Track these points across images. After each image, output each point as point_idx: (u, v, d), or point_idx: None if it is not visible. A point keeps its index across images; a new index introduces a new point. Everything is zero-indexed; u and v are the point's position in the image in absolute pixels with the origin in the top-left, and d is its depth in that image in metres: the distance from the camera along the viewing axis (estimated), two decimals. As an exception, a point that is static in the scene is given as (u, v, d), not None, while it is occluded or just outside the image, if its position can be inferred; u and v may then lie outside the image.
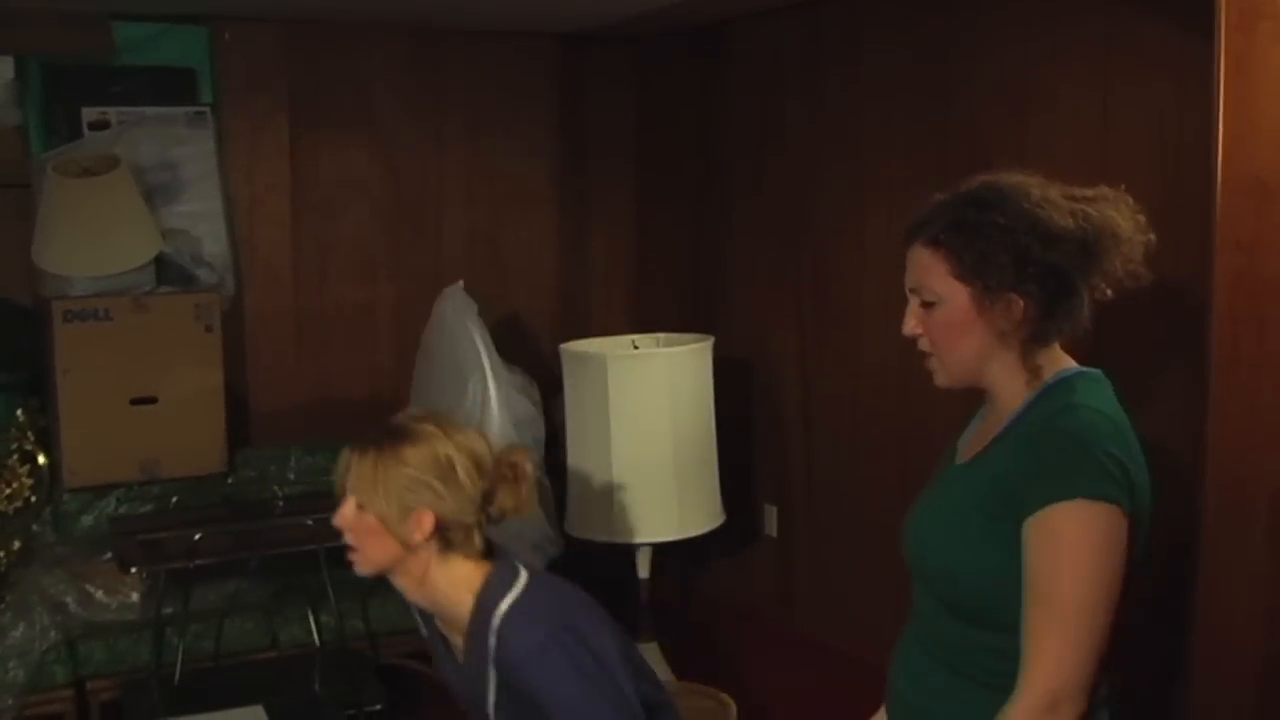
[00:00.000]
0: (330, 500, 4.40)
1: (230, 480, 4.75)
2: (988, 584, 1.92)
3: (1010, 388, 2.02)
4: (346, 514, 2.44)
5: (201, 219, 4.93)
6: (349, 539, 2.46)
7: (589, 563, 4.92)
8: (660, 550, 4.14)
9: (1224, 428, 2.79)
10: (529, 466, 2.49)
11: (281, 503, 4.42)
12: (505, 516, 2.46)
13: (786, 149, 5.01)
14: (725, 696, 3.73)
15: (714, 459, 3.92)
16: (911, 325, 2.05)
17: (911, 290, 2.05)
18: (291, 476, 4.86)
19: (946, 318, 2.00)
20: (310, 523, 4.16)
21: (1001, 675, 1.87)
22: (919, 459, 4.47)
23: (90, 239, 4.56)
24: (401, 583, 2.49)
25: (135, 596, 4.28)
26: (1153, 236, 2.01)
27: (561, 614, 2.41)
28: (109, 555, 4.28)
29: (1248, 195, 2.74)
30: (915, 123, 4.35)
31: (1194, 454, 2.91)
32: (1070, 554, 1.82)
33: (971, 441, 2.13)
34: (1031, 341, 1.98)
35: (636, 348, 3.99)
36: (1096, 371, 2.04)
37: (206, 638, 4.27)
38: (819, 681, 4.76)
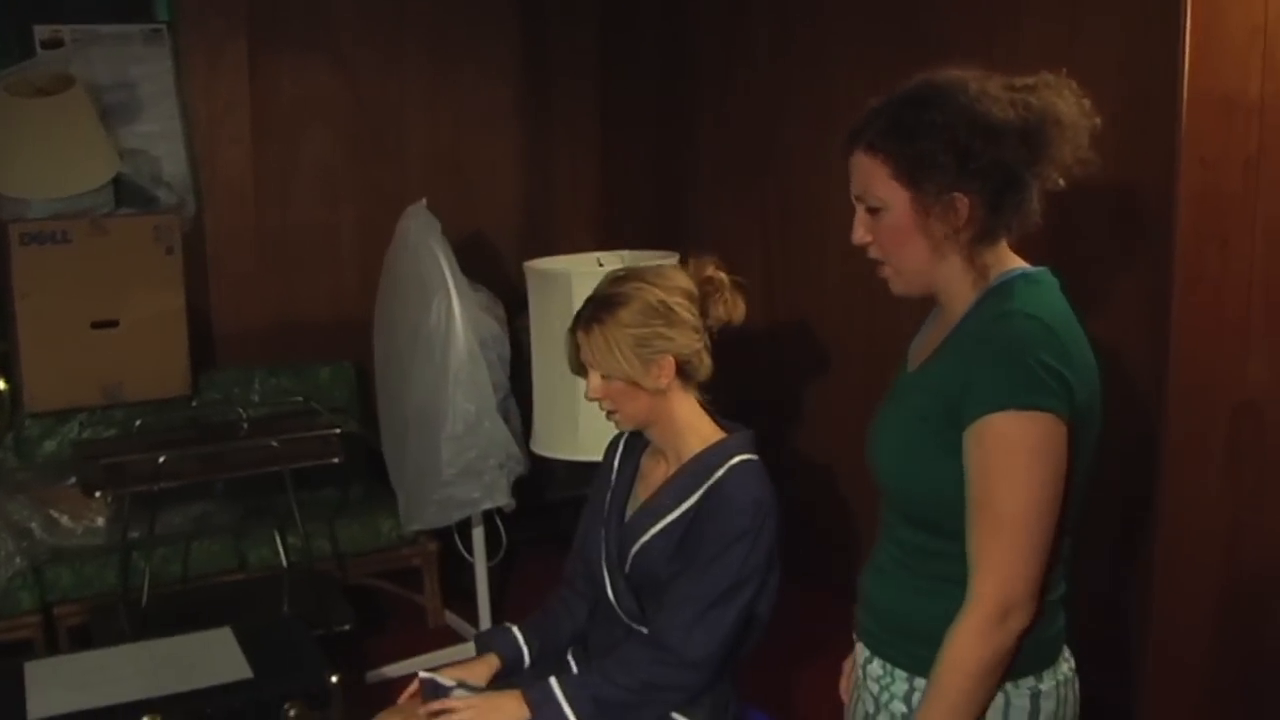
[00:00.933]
0: (294, 420, 4.44)
1: (194, 403, 4.74)
2: (939, 493, 1.91)
3: (958, 291, 1.98)
4: (596, 386, 2.62)
5: (160, 139, 4.87)
6: (606, 405, 2.65)
7: (555, 480, 4.95)
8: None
9: (1186, 342, 2.81)
10: (722, 273, 2.70)
11: (246, 425, 4.40)
12: (722, 324, 2.67)
13: (752, 68, 4.97)
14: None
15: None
16: (860, 234, 2.01)
17: (856, 198, 2.01)
18: (256, 398, 4.85)
19: (892, 223, 1.95)
20: (276, 444, 4.16)
21: (958, 579, 1.88)
22: (885, 374, 4.48)
23: (46, 160, 4.50)
24: (654, 430, 2.68)
25: (101, 521, 4.28)
26: (1098, 120, 1.93)
27: (775, 497, 2.59)
28: (73, 480, 4.28)
29: (1213, 113, 2.74)
30: (881, 43, 4.31)
31: (1155, 360, 2.92)
32: (1005, 463, 1.81)
33: (921, 348, 2.11)
34: (978, 241, 1.93)
35: (601, 265, 3.95)
36: (1040, 271, 1.98)
37: (173, 561, 4.28)
38: (786, 597, 4.79)
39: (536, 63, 5.68)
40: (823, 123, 4.62)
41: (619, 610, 2.68)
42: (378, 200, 5.22)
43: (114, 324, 4.51)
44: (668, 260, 3.90)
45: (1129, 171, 3.52)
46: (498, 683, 2.71)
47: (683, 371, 2.62)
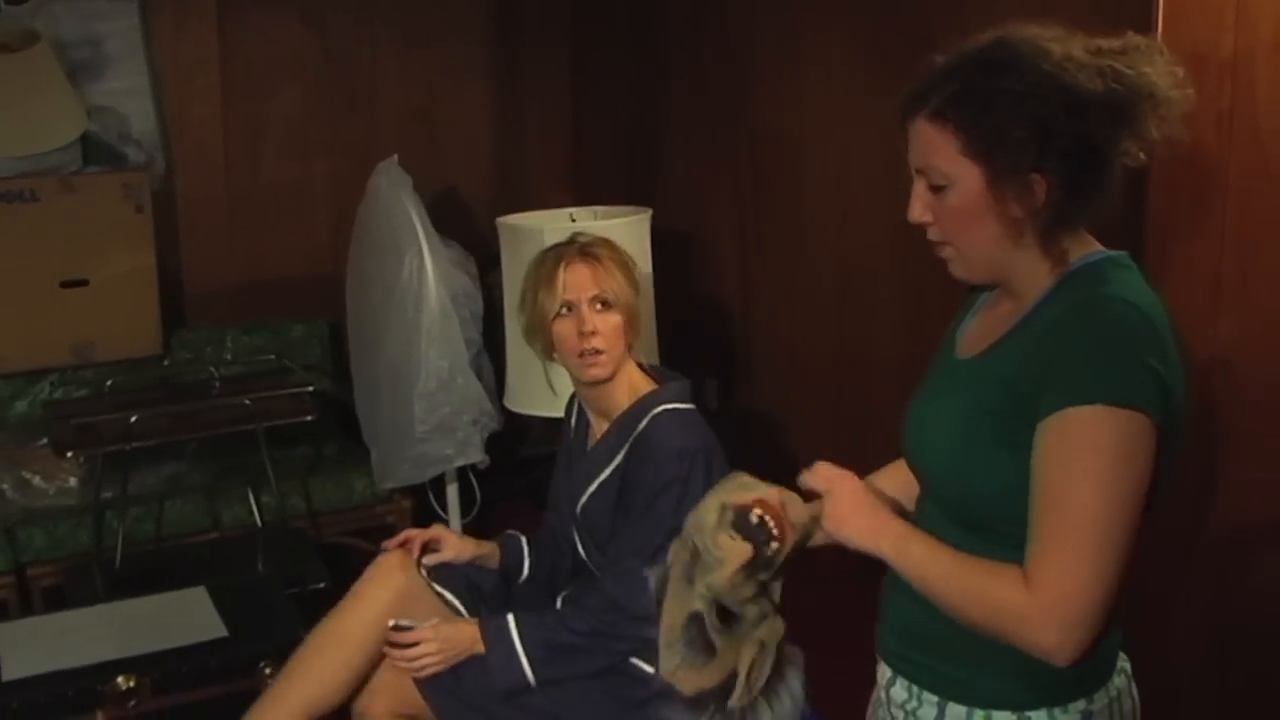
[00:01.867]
0: (267, 379, 4.43)
1: (166, 362, 4.71)
2: (1000, 495, 1.69)
3: (1031, 278, 1.75)
4: (598, 321, 2.71)
5: (128, 96, 4.82)
6: (598, 343, 2.69)
7: (528, 436, 4.95)
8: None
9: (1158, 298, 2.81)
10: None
11: (218, 383, 4.38)
12: None
13: (724, 21, 4.94)
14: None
15: (653, 331, 3.91)
16: (918, 212, 1.76)
17: (917, 171, 1.75)
18: (229, 357, 4.83)
19: (958, 203, 1.71)
20: (248, 402, 4.15)
21: None
22: (857, 332, 4.49)
23: (12, 118, 4.46)
24: (604, 387, 2.75)
25: (73, 481, 4.26)
26: (1191, 92, 1.70)
27: (707, 443, 2.64)
28: (44, 441, 4.26)
29: (1186, 68, 2.73)
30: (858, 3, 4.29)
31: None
32: (1087, 462, 1.58)
33: (977, 333, 1.87)
34: (1056, 225, 1.69)
35: (574, 220, 3.94)
36: (1123, 255, 1.77)
37: (147, 521, 4.27)
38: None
39: (508, 17, 5.64)
40: (794, 78, 4.60)
41: (587, 561, 2.75)
42: (349, 157, 5.18)
43: (84, 283, 4.49)
44: (639, 215, 3.89)
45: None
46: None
47: (632, 327, 2.75)
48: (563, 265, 2.72)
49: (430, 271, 3.98)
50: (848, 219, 4.39)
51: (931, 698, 1.81)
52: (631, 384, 2.75)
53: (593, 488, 2.72)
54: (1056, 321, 1.68)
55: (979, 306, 1.92)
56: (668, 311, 4.05)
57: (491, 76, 5.64)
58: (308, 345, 5.00)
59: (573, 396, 2.95)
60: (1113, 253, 1.77)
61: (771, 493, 1.82)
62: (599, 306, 2.71)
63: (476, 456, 4.08)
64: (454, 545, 2.90)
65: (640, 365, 2.83)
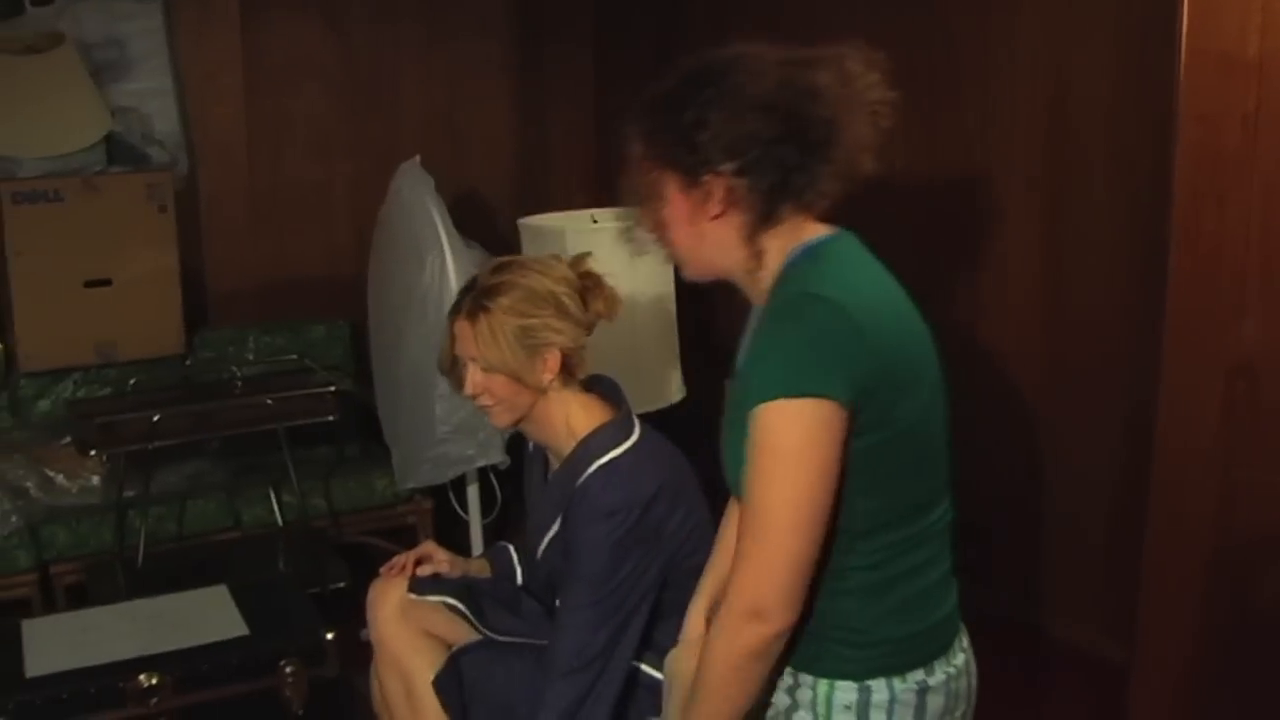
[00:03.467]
0: (289, 378, 4.44)
1: (188, 361, 4.73)
2: None
3: (749, 281, 1.89)
4: (476, 380, 2.53)
5: (151, 97, 4.84)
6: (484, 400, 2.55)
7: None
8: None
9: (1182, 301, 2.80)
10: (595, 268, 2.60)
11: (240, 383, 4.40)
12: (599, 320, 2.58)
13: (747, 20, 4.93)
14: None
15: (674, 333, 3.91)
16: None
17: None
18: (250, 356, 4.84)
19: (658, 208, 1.89)
20: (270, 402, 4.16)
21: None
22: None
23: (37, 118, 4.48)
24: (531, 427, 2.61)
25: (96, 480, 4.27)
26: (879, 97, 1.86)
27: (641, 489, 2.49)
28: (68, 439, 4.27)
29: (1212, 69, 2.72)
30: (876, 4, 4.28)
31: (1151, 319, 2.91)
32: (766, 461, 1.71)
33: (746, 342, 2.00)
34: (750, 226, 1.83)
35: (596, 222, 3.94)
36: (828, 239, 1.87)
37: (169, 519, 4.28)
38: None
39: (531, 18, 5.64)
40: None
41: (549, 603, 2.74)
42: (371, 157, 5.19)
43: (107, 283, 4.50)
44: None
45: (1126, 128, 3.50)
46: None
47: (566, 367, 2.54)
48: (454, 318, 2.57)
49: (452, 273, 3.97)
50: (869, 217, 4.38)
51: (805, 676, 1.88)
52: (569, 424, 2.58)
53: (544, 545, 2.63)
54: (764, 324, 1.80)
55: (755, 314, 1.98)
56: (688, 312, 4.04)
57: (514, 76, 5.64)
58: (329, 345, 5.01)
59: None
60: (816, 239, 1.86)
61: None
62: (483, 365, 2.54)
63: (497, 457, 4.08)
64: (444, 560, 2.87)
65: (585, 386, 2.65)
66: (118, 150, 4.73)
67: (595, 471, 2.50)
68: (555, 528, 2.58)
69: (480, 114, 5.58)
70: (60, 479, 4.25)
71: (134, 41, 4.79)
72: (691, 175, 1.82)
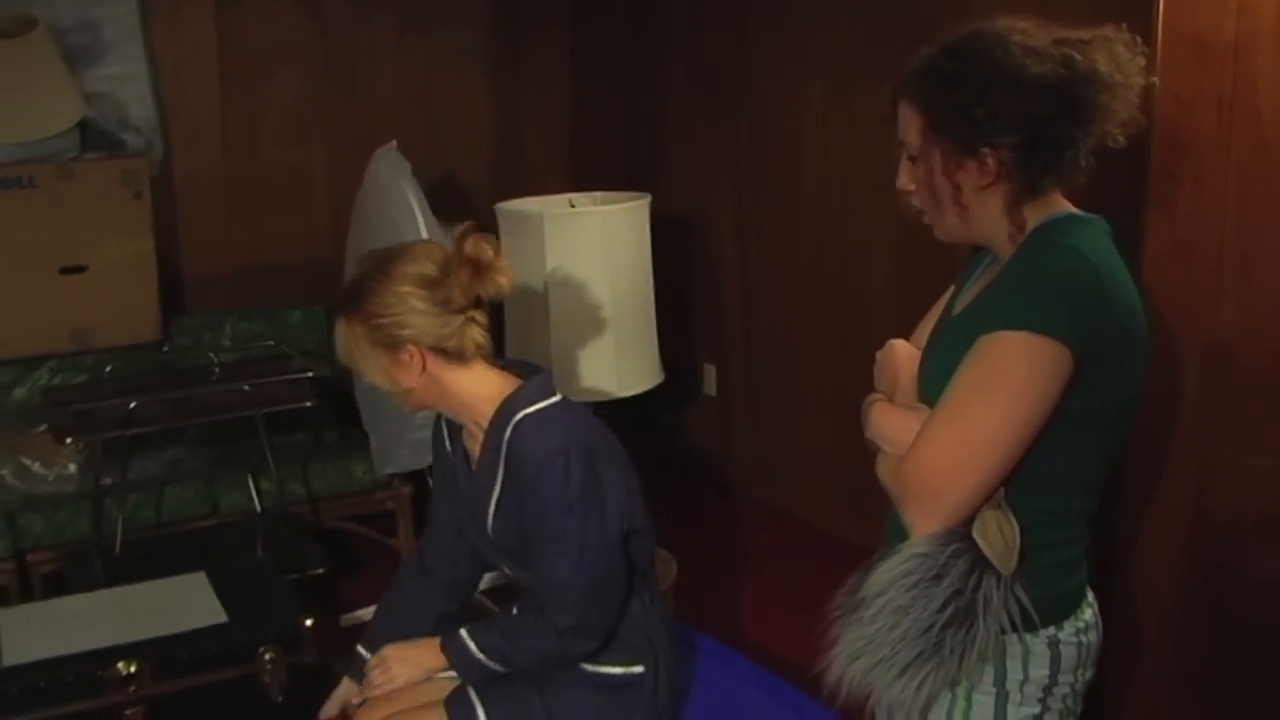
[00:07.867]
0: (266, 364, 4.42)
1: (165, 348, 4.71)
2: None
3: (1000, 241, 1.95)
4: (374, 377, 2.51)
5: (126, 82, 4.82)
6: (390, 390, 2.53)
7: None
8: (599, 409, 4.13)
9: (1159, 282, 2.81)
10: (486, 246, 2.50)
11: (218, 369, 4.38)
12: (493, 298, 2.51)
13: (724, 6, 4.93)
14: (665, 553, 3.77)
15: (652, 317, 3.91)
16: (902, 181, 1.99)
17: (901, 143, 1.98)
18: (227, 343, 4.82)
19: (926, 174, 1.95)
20: (247, 388, 4.14)
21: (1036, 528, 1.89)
22: (855, 317, 4.49)
23: (10, 104, 4.45)
24: (446, 409, 2.58)
25: (73, 468, 4.26)
26: (1145, 81, 1.92)
27: (580, 435, 2.48)
28: (44, 427, 4.25)
29: (1187, 52, 2.73)
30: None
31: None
32: (994, 381, 1.80)
33: (972, 292, 2.06)
34: (1014, 195, 1.91)
35: (573, 206, 3.94)
36: (1093, 216, 1.96)
37: (146, 507, 4.26)
38: (757, 539, 4.82)
39: (508, 2, 5.63)
40: (795, 61, 4.60)
41: (518, 579, 2.65)
42: (348, 142, 5.18)
43: (82, 269, 4.48)
44: (639, 201, 3.89)
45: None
46: None
47: (443, 353, 2.47)
48: (337, 319, 2.52)
49: (429, 257, 3.97)
50: (846, 204, 4.39)
51: None
52: (485, 395, 2.51)
53: (492, 508, 2.56)
54: (1011, 267, 1.91)
55: (977, 270, 2.10)
56: (666, 297, 4.05)
57: (491, 61, 5.63)
58: (306, 331, 5.00)
59: (438, 417, 2.75)
60: (1082, 214, 1.96)
61: None
62: (360, 369, 2.52)
63: (475, 443, 4.08)
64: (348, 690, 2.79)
65: (501, 364, 2.60)
66: (92, 136, 4.70)
67: (520, 422, 2.44)
68: (496, 493, 2.52)
69: (457, 98, 5.57)
70: (37, 467, 4.23)
71: (108, 26, 4.76)
72: (967, 147, 1.89)
